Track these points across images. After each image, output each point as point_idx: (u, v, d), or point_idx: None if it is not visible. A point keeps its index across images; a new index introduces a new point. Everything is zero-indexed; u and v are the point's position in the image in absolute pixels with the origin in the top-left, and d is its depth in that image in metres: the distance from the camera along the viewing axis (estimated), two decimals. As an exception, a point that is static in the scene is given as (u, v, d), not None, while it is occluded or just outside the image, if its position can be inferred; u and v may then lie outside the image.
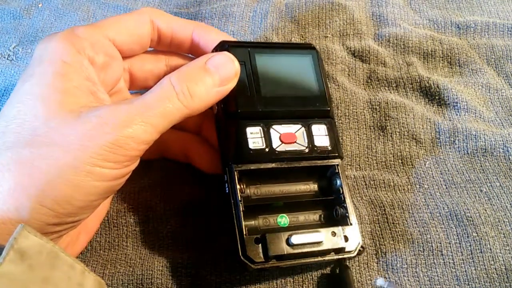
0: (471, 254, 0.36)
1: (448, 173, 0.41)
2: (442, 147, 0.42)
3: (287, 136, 0.33)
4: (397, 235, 0.37)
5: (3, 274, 0.21)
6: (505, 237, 0.36)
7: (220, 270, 0.34)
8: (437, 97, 0.45)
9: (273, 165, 0.33)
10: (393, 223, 0.37)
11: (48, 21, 0.51)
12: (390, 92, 0.46)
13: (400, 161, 0.41)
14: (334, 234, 0.32)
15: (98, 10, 0.53)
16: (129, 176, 0.30)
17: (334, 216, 0.35)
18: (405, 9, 0.53)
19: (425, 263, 0.35)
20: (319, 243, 0.31)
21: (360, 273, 0.35)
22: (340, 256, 0.32)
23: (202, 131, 0.39)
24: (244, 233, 0.31)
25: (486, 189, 0.39)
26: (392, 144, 0.42)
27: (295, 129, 0.34)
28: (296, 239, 0.31)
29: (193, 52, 0.36)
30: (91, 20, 0.51)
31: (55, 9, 0.52)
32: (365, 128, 0.43)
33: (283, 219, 0.34)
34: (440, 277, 0.35)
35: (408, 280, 0.35)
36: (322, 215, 0.35)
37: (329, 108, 0.35)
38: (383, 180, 0.40)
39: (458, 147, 0.42)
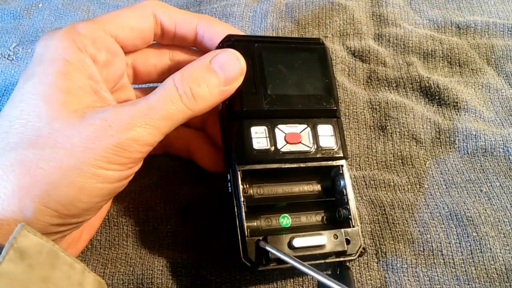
0: (471, 254, 0.36)
1: (448, 173, 0.41)
2: (442, 147, 0.42)
3: (292, 136, 0.33)
4: (397, 235, 0.37)
5: (2, 273, 0.21)
6: (505, 237, 0.36)
7: (220, 270, 0.34)
8: (437, 97, 0.45)
9: (277, 165, 0.32)
10: (393, 223, 0.37)
11: (48, 21, 0.51)
12: (390, 92, 0.46)
13: (400, 161, 0.41)
14: (336, 237, 0.32)
15: (98, 10, 0.53)
16: None
17: (337, 217, 0.34)
18: (405, 9, 0.53)
19: (425, 263, 0.35)
20: (320, 246, 0.31)
21: (360, 273, 0.35)
22: (342, 259, 0.32)
23: (206, 128, 0.38)
24: (246, 234, 0.31)
25: (486, 189, 0.39)
26: (392, 144, 0.42)
27: (300, 129, 0.33)
28: (298, 242, 0.30)
29: (197, 45, 0.35)
30: (91, 20, 0.51)
31: (55, 9, 0.52)
32: (365, 128, 0.43)
33: (285, 220, 0.34)
34: (440, 277, 0.35)
35: (408, 280, 0.35)
36: (325, 216, 0.35)
37: (335, 108, 0.34)
38: (383, 180, 0.40)
39: (458, 147, 0.42)
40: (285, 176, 0.35)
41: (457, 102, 0.44)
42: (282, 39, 0.39)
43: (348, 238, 0.32)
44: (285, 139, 0.33)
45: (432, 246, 0.36)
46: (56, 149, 0.26)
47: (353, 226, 0.33)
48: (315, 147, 0.33)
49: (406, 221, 0.37)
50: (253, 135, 0.32)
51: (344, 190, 0.34)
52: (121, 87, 0.34)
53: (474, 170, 0.41)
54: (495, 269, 0.35)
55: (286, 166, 0.33)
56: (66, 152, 0.26)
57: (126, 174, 0.28)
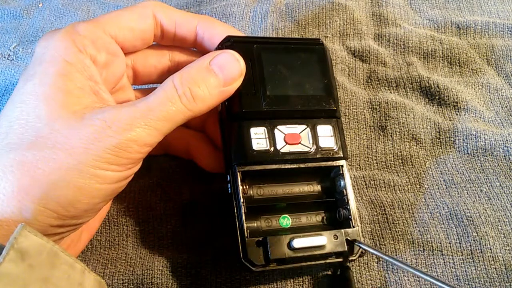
0: (471, 254, 0.36)
1: (448, 173, 0.41)
2: (442, 147, 0.42)
3: (292, 136, 0.33)
4: (397, 235, 0.37)
5: (3, 274, 0.21)
6: (505, 237, 0.36)
7: (220, 270, 0.34)
8: (437, 97, 0.45)
9: (276, 166, 0.32)
10: (393, 223, 0.37)
11: (48, 21, 0.51)
12: (390, 92, 0.46)
13: (400, 161, 0.41)
14: (336, 237, 0.32)
15: (98, 10, 0.53)
16: None
17: (337, 218, 0.34)
18: (405, 9, 0.53)
19: (425, 263, 0.35)
20: (320, 246, 0.31)
21: (360, 273, 0.35)
22: (342, 259, 0.32)
23: (206, 129, 0.38)
24: (246, 235, 0.31)
25: (486, 189, 0.39)
26: (392, 144, 0.42)
27: (300, 130, 0.33)
28: (298, 242, 0.30)
29: (197, 46, 0.36)
30: (91, 20, 0.51)
31: (55, 9, 0.52)
32: (365, 128, 0.43)
33: (285, 220, 0.34)
34: (440, 277, 0.35)
35: (408, 280, 0.35)
36: (325, 217, 0.35)
37: (335, 108, 0.34)
38: (383, 180, 0.40)
39: (458, 147, 0.42)
40: (285, 176, 0.34)
41: (457, 102, 0.44)
42: (282, 39, 0.39)
43: (349, 238, 0.32)
44: (284, 140, 0.33)
45: (432, 246, 0.36)
46: (56, 150, 0.26)
47: (353, 227, 0.33)
48: (315, 147, 0.33)
49: (406, 221, 0.37)
50: (252, 136, 0.32)
51: (344, 191, 0.34)
52: (121, 88, 0.34)
53: (474, 170, 0.41)
54: (495, 269, 0.35)
55: (286, 167, 0.33)
56: (66, 152, 0.26)
57: (126, 174, 0.28)
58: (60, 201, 0.26)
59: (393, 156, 0.42)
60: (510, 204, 0.38)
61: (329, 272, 0.35)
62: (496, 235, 0.36)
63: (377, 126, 0.43)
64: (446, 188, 0.40)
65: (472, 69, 0.48)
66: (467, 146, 0.42)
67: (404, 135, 0.43)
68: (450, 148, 0.42)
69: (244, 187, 0.32)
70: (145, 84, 0.38)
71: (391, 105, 0.44)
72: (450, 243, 0.36)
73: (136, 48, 0.34)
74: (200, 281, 0.34)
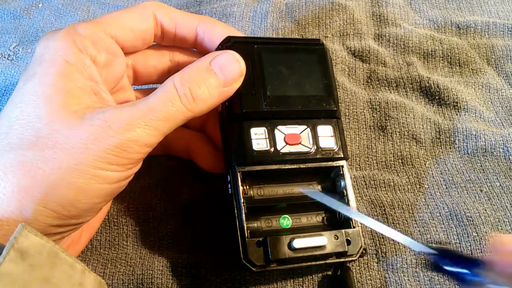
0: (471, 254, 0.36)
1: (448, 173, 0.41)
2: (442, 147, 0.42)
3: (292, 137, 0.33)
4: (397, 235, 0.37)
5: (3, 274, 0.21)
6: (505, 237, 0.36)
7: (220, 270, 0.34)
8: (437, 97, 0.45)
9: (276, 166, 0.32)
10: (393, 223, 0.37)
11: (48, 21, 0.51)
12: (390, 92, 0.46)
13: (400, 161, 0.41)
14: (336, 237, 0.32)
15: (98, 10, 0.53)
16: None
17: (337, 218, 0.34)
18: (405, 9, 0.53)
19: (425, 263, 0.35)
20: (321, 247, 0.31)
21: (360, 273, 0.35)
22: (342, 260, 0.32)
23: (206, 129, 0.38)
24: (246, 235, 0.31)
25: (486, 189, 0.39)
26: (392, 144, 0.42)
27: (300, 130, 0.33)
28: (298, 243, 0.30)
29: (197, 46, 0.36)
30: (91, 20, 0.51)
31: (55, 9, 0.52)
32: (365, 128, 0.43)
33: (286, 221, 0.34)
34: (440, 277, 0.35)
35: (408, 280, 0.35)
36: (325, 217, 0.35)
37: (335, 108, 0.34)
38: (383, 180, 0.40)
39: (458, 147, 0.42)
40: (285, 177, 0.34)
41: (457, 102, 0.44)
42: (282, 40, 0.39)
43: (349, 238, 0.32)
44: (284, 140, 0.33)
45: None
46: (56, 150, 0.26)
47: (354, 227, 0.33)
48: (315, 148, 0.33)
49: (406, 221, 0.37)
50: (252, 136, 0.32)
51: (345, 191, 0.34)
52: (121, 88, 0.34)
53: (474, 170, 0.41)
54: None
55: (286, 167, 0.33)
56: (66, 152, 0.26)
57: (126, 174, 0.28)
58: (60, 201, 0.26)
59: (393, 156, 0.42)
60: (510, 204, 0.38)
61: (329, 273, 0.35)
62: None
63: (377, 126, 0.43)
64: (446, 188, 0.40)
65: (472, 69, 0.48)
66: (467, 146, 0.42)
67: (404, 135, 0.43)
68: (450, 148, 0.42)
69: (245, 187, 0.32)
70: (145, 84, 0.38)
71: (391, 105, 0.44)
72: (450, 243, 0.36)
73: (136, 49, 0.34)
74: (200, 281, 0.34)
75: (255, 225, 0.33)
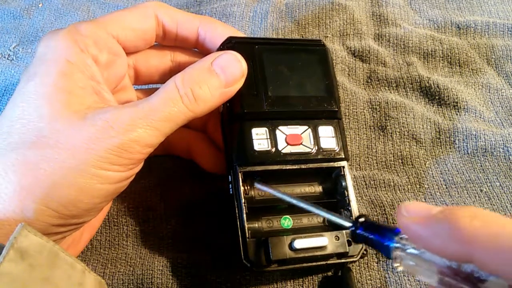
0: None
1: (448, 173, 0.41)
2: (442, 147, 0.42)
3: (293, 137, 0.33)
4: (397, 235, 0.37)
5: (3, 273, 0.21)
6: (505, 237, 0.36)
7: (220, 270, 0.34)
8: (437, 97, 0.45)
9: (277, 167, 0.32)
10: (393, 223, 0.37)
11: (48, 21, 0.51)
12: (390, 92, 0.46)
13: (400, 161, 0.41)
14: (337, 238, 0.32)
15: (98, 10, 0.53)
16: None
17: None
18: (405, 9, 0.53)
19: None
20: (322, 247, 0.31)
21: (360, 273, 0.35)
22: (343, 261, 0.32)
23: (207, 129, 0.38)
24: (247, 236, 0.31)
25: (486, 189, 0.39)
26: (392, 144, 0.42)
27: (301, 130, 0.33)
28: (299, 243, 0.30)
29: (199, 47, 0.36)
30: (92, 20, 0.51)
31: (55, 9, 0.52)
32: (365, 128, 0.43)
33: (287, 221, 0.34)
34: (440, 277, 0.35)
35: (408, 280, 0.35)
36: (326, 218, 0.35)
37: (337, 109, 0.34)
38: (383, 180, 0.40)
39: (458, 147, 0.42)
40: (286, 177, 0.34)
41: (457, 102, 0.44)
42: (283, 40, 0.39)
43: (350, 239, 0.32)
44: (286, 141, 0.33)
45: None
46: (58, 150, 0.26)
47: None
48: (316, 148, 0.33)
49: (406, 221, 0.37)
50: (254, 136, 0.32)
51: (346, 192, 0.34)
52: (122, 88, 0.34)
53: (474, 170, 0.41)
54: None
55: (287, 168, 0.33)
56: (68, 152, 0.26)
57: (127, 175, 0.28)
58: (61, 200, 0.26)
59: (393, 156, 0.42)
60: (510, 204, 0.38)
61: (330, 273, 0.35)
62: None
63: (377, 126, 0.43)
64: (446, 188, 0.40)
65: (472, 69, 0.48)
66: (467, 146, 0.42)
67: (404, 135, 0.43)
68: (450, 148, 0.42)
69: (246, 187, 0.32)
70: (147, 84, 0.38)
71: (391, 105, 0.44)
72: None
73: (137, 48, 0.34)
74: (200, 281, 0.34)
75: (256, 225, 0.33)
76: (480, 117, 0.44)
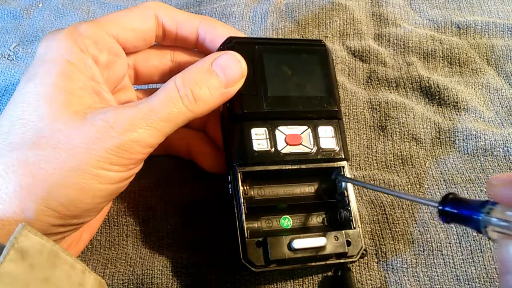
0: (471, 254, 0.36)
1: (448, 173, 0.41)
2: (442, 147, 0.42)
3: (293, 137, 0.33)
4: (397, 235, 0.37)
5: (3, 273, 0.21)
6: (505, 237, 0.36)
7: (220, 270, 0.34)
8: (437, 97, 0.45)
9: (277, 167, 0.32)
10: (393, 223, 0.37)
11: (48, 21, 0.51)
12: (390, 92, 0.46)
13: (400, 161, 0.41)
14: (336, 238, 0.32)
15: (98, 10, 0.53)
16: None
17: (338, 219, 0.34)
18: (405, 9, 0.53)
19: (425, 263, 0.35)
20: (321, 248, 0.31)
21: (360, 273, 0.35)
22: (342, 261, 0.32)
23: (207, 129, 0.38)
24: (246, 236, 0.31)
25: (486, 189, 0.39)
26: (392, 144, 0.42)
27: (301, 131, 0.33)
28: (298, 243, 0.30)
29: (199, 47, 0.36)
30: (92, 20, 0.51)
31: (55, 9, 0.52)
32: (365, 128, 0.43)
33: (286, 221, 0.34)
34: (440, 277, 0.35)
35: (409, 280, 0.35)
36: (325, 218, 0.35)
37: (337, 109, 0.34)
38: (383, 180, 0.40)
39: (458, 147, 0.42)
40: (286, 177, 0.34)
41: (457, 102, 0.44)
42: (284, 40, 0.39)
43: (349, 239, 0.32)
44: (285, 141, 0.33)
45: (432, 246, 0.36)
46: (58, 150, 0.26)
47: (354, 228, 0.33)
48: (316, 148, 0.33)
49: (406, 221, 0.37)
50: (253, 136, 0.32)
51: (345, 192, 0.34)
52: (122, 88, 0.34)
53: (474, 170, 0.41)
54: (495, 269, 0.35)
55: (287, 168, 0.33)
56: (68, 153, 0.26)
57: (127, 175, 0.29)
58: (62, 201, 0.26)
59: (393, 156, 0.42)
60: (510, 204, 0.38)
61: (330, 273, 0.35)
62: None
63: (377, 126, 0.43)
64: (446, 188, 0.40)
65: (472, 69, 0.48)
66: (467, 146, 0.42)
67: (404, 135, 0.43)
68: (450, 148, 0.42)
69: (245, 187, 0.33)
70: (147, 84, 0.38)
71: (391, 105, 0.44)
72: (450, 243, 0.36)
73: (137, 49, 0.34)
74: (200, 281, 0.34)
75: (255, 225, 0.33)
76: (480, 117, 0.44)
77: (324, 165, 0.34)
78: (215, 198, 0.37)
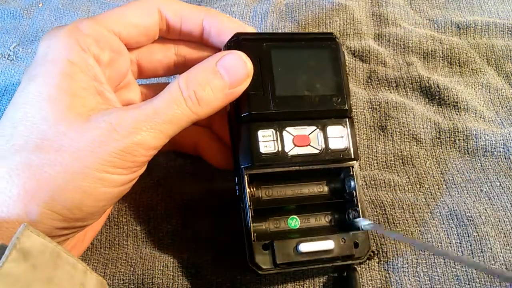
0: (472, 253, 0.36)
1: (449, 173, 0.41)
2: (442, 147, 0.42)
3: (301, 138, 0.32)
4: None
5: (6, 274, 0.21)
6: (505, 236, 0.36)
7: (220, 270, 0.34)
8: (437, 97, 0.45)
9: (284, 169, 0.32)
10: (394, 223, 0.37)
11: (48, 21, 0.51)
12: (390, 92, 0.46)
13: (400, 161, 0.42)
14: (343, 240, 0.31)
15: (98, 10, 0.52)
16: None
17: (346, 219, 0.34)
18: (405, 9, 0.53)
19: (426, 262, 0.35)
20: (328, 251, 0.31)
21: (361, 273, 0.35)
22: (349, 262, 0.32)
23: (213, 126, 0.38)
24: (253, 239, 0.30)
25: (486, 188, 0.39)
26: (393, 144, 0.42)
27: (309, 131, 0.32)
28: (305, 247, 0.30)
29: (204, 41, 0.34)
30: (91, 20, 0.51)
31: (55, 9, 0.52)
32: (365, 128, 0.43)
33: (294, 221, 0.33)
34: (441, 277, 0.35)
35: (409, 279, 0.35)
36: (333, 218, 0.35)
37: (347, 108, 0.33)
38: (384, 180, 0.40)
39: (459, 146, 0.42)
40: (293, 177, 0.34)
41: (457, 102, 0.45)
42: (293, 35, 0.38)
43: (357, 241, 0.32)
44: (293, 142, 0.32)
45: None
46: (62, 153, 0.26)
47: (362, 229, 0.32)
48: (324, 149, 0.32)
49: (407, 221, 0.38)
50: (260, 138, 0.31)
51: (354, 192, 0.33)
52: (125, 84, 0.34)
53: (474, 170, 0.41)
54: (496, 268, 0.35)
55: (294, 169, 0.32)
56: (72, 156, 0.26)
57: (131, 177, 0.28)
58: (66, 204, 0.25)
59: (393, 156, 0.42)
60: (511, 203, 0.38)
61: (335, 274, 0.35)
62: (496, 235, 0.36)
63: (377, 126, 0.43)
64: (447, 188, 0.40)
65: (472, 69, 0.48)
66: (467, 146, 0.42)
67: (404, 135, 0.43)
68: (450, 148, 0.42)
69: (252, 189, 0.32)
70: (150, 78, 0.37)
71: (391, 105, 0.44)
72: (450, 243, 0.36)
73: (140, 44, 0.33)
74: (200, 281, 0.34)
75: (263, 226, 0.33)
76: (480, 117, 0.44)
77: (333, 165, 0.33)
78: (215, 198, 0.37)
